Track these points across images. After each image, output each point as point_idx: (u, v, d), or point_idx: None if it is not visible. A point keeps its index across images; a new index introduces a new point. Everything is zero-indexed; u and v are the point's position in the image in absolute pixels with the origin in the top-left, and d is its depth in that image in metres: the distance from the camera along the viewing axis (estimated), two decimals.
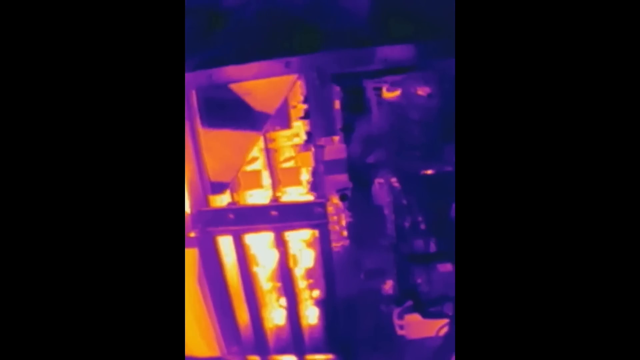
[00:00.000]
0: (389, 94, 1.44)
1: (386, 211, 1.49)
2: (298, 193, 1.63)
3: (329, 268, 1.52)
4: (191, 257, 1.66)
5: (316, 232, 1.51)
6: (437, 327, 1.52)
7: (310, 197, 1.53)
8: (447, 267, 1.44)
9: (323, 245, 1.49)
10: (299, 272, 1.62)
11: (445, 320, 1.49)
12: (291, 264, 1.59)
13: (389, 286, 1.57)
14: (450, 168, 1.38)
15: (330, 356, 1.60)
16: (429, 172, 1.46)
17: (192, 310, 1.66)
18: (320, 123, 1.43)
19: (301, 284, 1.61)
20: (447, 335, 1.49)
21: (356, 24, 1.40)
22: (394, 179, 1.50)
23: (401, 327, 1.59)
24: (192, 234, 1.53)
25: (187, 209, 1.52)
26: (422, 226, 1.50)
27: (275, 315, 1.66)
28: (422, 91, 1.35)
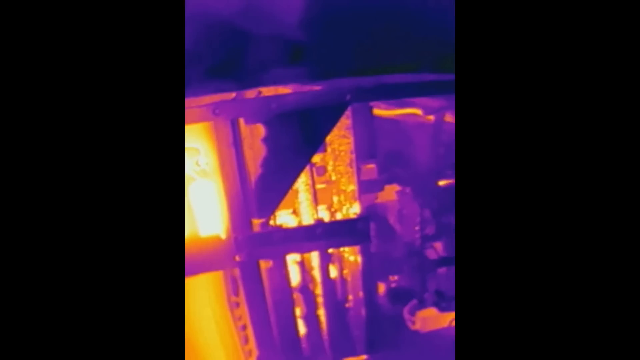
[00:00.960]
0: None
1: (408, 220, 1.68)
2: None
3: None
4: (216, 280, 1.68)
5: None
6: (448, 320, 1.75)
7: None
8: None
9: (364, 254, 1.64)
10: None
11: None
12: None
13: (407, 286, 1.77)
14: None
15: (364, 357, 1.75)
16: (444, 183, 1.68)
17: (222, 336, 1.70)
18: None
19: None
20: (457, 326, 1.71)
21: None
22: (409, 190, 1.70)
23: (413, 323, 1.79)
24: (237, 258, 1.57)
25: (224, 233, 1.56)
26: (439, 231, 1.71)
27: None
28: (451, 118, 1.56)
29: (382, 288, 1.80)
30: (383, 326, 1.79)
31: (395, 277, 1.82)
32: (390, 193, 1.68)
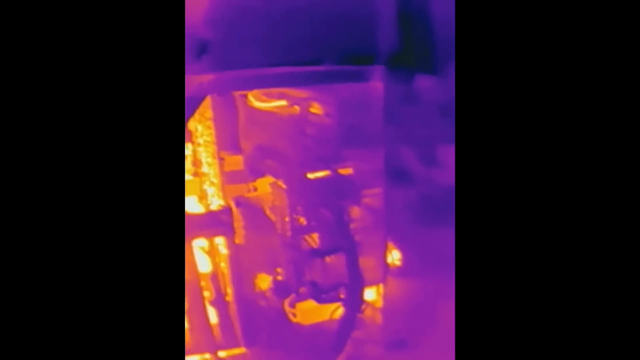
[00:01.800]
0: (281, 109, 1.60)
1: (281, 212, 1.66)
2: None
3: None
4: None
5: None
6: (330, 311, 1.74)
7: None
8: (341, 258, 1.66)
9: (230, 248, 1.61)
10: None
11: (338, 304, 1.71)
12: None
13: (284, 279, 1.75)
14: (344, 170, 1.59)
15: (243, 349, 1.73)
16: (322, 174, 1.65)
17: None
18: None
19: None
20: (342, 317, 1.71)
21: None
22: (282, 182, 1.67)
23: (294, 315, 1.78)
24: None
25: None
26: (313, 223, 1.68)
27: None
28: (319, 110, 1.54)
29: (260, 281, 1.78)
30: (262, 319, 1.77)
31: (277, 270, 1.80)
32: (264, 185, 1.66)
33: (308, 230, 1.66)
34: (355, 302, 1.68)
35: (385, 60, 3.46)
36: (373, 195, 1.61)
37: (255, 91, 1.59)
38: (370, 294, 1.73)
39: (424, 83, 3.19)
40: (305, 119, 1.56)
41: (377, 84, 1.55)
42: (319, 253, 1.64)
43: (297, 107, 1.55)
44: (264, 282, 1.77)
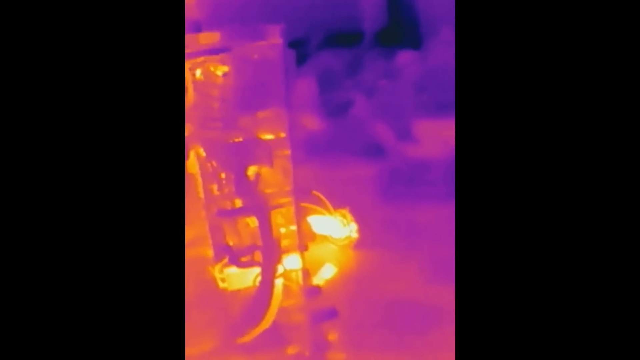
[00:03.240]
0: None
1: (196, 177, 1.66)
2: None
3: None
4: None
5: None
6: (253, 277, 1.72)
7: None
8: (253, 221, 1.64)
9: None
10: None
11: (258, 270, 1.69)
12: None
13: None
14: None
15: None
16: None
17: None
18: None
19: None
20: (261, 283, 1.68)
21: None
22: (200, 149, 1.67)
23: (222, 281, 1.77)
24: None
25: None
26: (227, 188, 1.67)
27: None
28: (220, 70, 1.53)
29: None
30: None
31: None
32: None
33: (221, 194, 1.66)
34: (271, 268, 1.65)
35: (372, 37, 3.43)
36: (283, 157, 1.58)
37: None
38: (295, 260, 1.70)
39: (405, 58, 3.14)
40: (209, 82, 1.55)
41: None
42: (227, 214, 1.62)
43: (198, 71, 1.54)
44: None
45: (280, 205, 1.62)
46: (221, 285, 1.76)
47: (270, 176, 1.63)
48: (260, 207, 1.60)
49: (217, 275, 1.76)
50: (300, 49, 3.28)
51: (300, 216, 1.64)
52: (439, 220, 2.10)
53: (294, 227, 1.64)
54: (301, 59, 3.32)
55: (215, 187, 1.67)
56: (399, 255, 2.18)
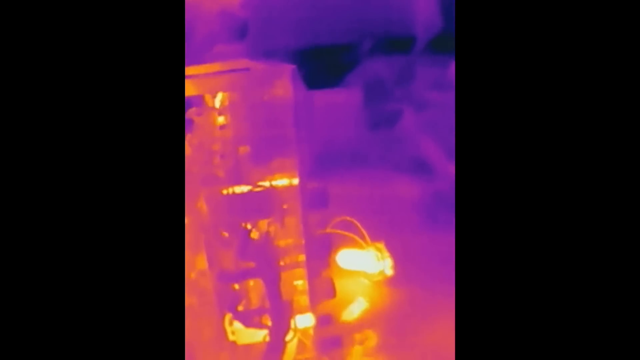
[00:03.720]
0: None
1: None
2: None
3: None
4: None
5: None
6: (262, 335, 1.56)
7: None
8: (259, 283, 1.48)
9: None
10: None
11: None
12: None
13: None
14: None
15: None
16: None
17: None
18: None
19: None
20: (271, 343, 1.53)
21: None
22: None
23: (232, 333, 1.63)
24: None
25: None
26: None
27: None
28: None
29: None
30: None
31: None
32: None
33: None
34: (280, 329, 1.49)
35: (425, 43, 3.15)
36: (290, 210, 1.39)
37: None
38: (307, 319, 1.54)
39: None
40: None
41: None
42: (228, 278, 1.46)
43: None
44: None
45: (294, 266, 1.44)
46: (231, 337, 1.62)
47: (282, 228, 1.45)
48: (269, 269, 1.42)
49: (227, 327, 1.63)
50: (348, 54, 3.07)
51: (313, 275, 1.46)
52: None
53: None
54: (349, 66, 3.12)
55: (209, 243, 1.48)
56: (439, 292, 1.94)
